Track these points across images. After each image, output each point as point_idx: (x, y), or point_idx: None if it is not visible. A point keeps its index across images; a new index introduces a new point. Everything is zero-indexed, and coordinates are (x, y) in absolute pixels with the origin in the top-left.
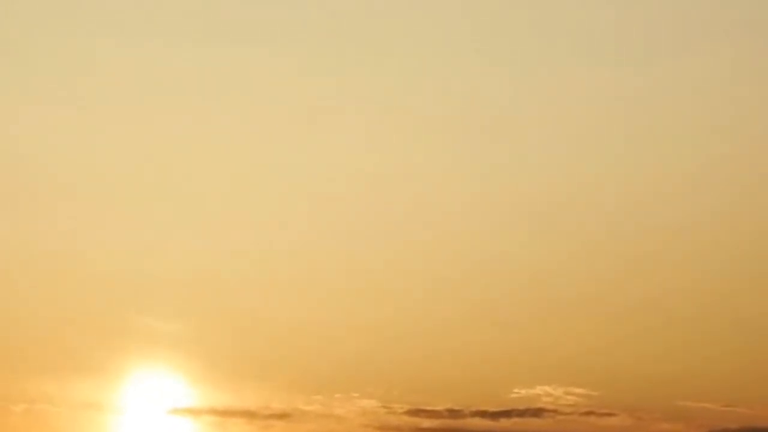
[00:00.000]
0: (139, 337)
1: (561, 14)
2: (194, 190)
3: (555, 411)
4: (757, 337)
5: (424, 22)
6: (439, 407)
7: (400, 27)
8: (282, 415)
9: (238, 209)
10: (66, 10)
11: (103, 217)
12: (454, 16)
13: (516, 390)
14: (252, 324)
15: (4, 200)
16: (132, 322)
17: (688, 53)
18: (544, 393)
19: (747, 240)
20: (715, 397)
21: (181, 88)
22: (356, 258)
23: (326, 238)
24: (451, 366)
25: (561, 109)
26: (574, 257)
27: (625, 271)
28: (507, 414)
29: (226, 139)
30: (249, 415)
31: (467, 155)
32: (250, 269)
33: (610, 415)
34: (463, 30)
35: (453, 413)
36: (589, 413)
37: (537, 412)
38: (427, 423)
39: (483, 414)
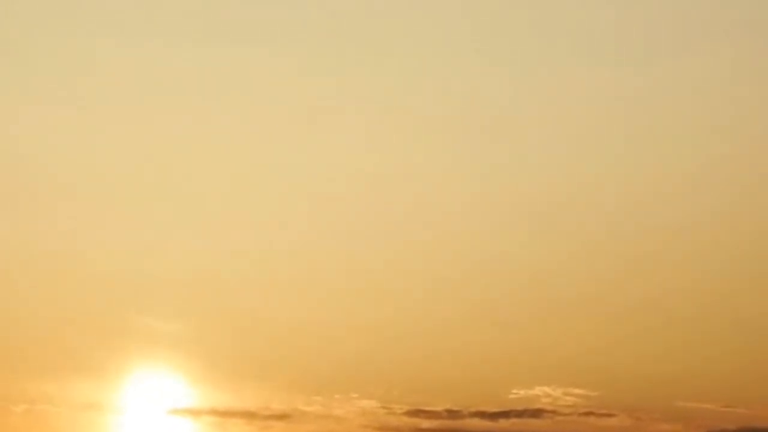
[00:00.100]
0: (139, 338)
1: (561, 14)
2: (194, 190)
3: (554, 411)
4: (756, 338)
5: (424, 22)
6: (439, 408)
7: (400, 27)
8: (282, 416)
9: (238, 209)
10: (66, 10)
11: (104, 217)
12: (454, 16)
13: (515, 390)
14: (252, 324)
15: (4, 200)
16: (132, 323)
17: (688, 53)
18: (543, 393)
19: (747, 240)
20: (714, 398)
21: (181, 88)
22: (356, 258)
23: (326, 238)
24: (450, 366)
25: (561, 109)
26: (574, 257)
27: (625, 271)
28: (506, 414)
29: (226, 139)
30: (249, 415)
31: (467, 155)
32: (249, 269)
33: (609, 415)
34: (463, 30)
35: (452, 414)
36: (588, 414)
37: (536, 413)
38: (426, 423)
39: (482, 414)
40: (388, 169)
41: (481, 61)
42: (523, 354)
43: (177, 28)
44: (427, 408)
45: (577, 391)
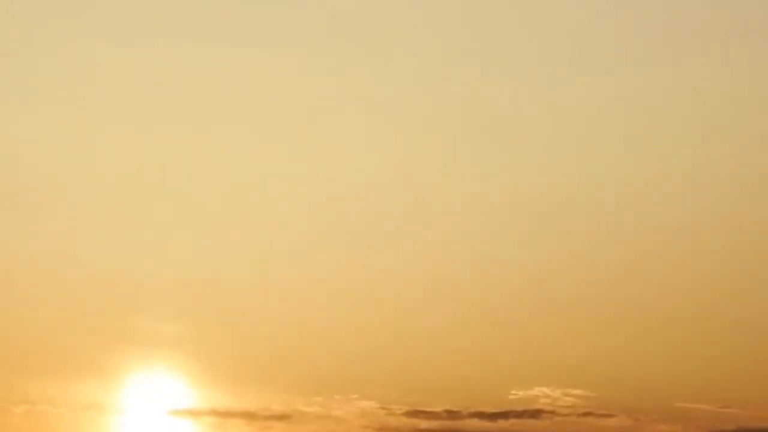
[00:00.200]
0: (140, 339)
1: (560, 16)
2: (194, 191)
3: (553, 412)
4: (754, 339)
5: (425, 23)
6: (438, 408)
7: (400, 28)
8: (282, 417)
9: (237, 210)
10: (66, 11)
11: (104, 218)
12: (454, 18)
13: (514, 391)
14: (252, 325)
15: (4, 201)
16: (132, 324)
17: (687, 55)
18: (542, 394)
19: (747, 240)
20: (712, 399)
21: (181, 89)
22: (356, 259)
23: (326, 239)
24: (449, 367)
25: (561, 110)
26: (573, 258)
27: (624, 272)
28: (505, 415)
29: (225, 140)
30: (249, 416)
31: (467, 156)
32: (249, 270)
33: (608, 416)
34: (463, 31)
35: (451, 414)
36: (587, 414)
37: (535, 413)
38: (425, 424)
39: (481, 415)
40: (387, 170)
41: (482, 63)
42: (522, 355)
43: (177, 29)
44: (426, 409)
45: (576, 391)
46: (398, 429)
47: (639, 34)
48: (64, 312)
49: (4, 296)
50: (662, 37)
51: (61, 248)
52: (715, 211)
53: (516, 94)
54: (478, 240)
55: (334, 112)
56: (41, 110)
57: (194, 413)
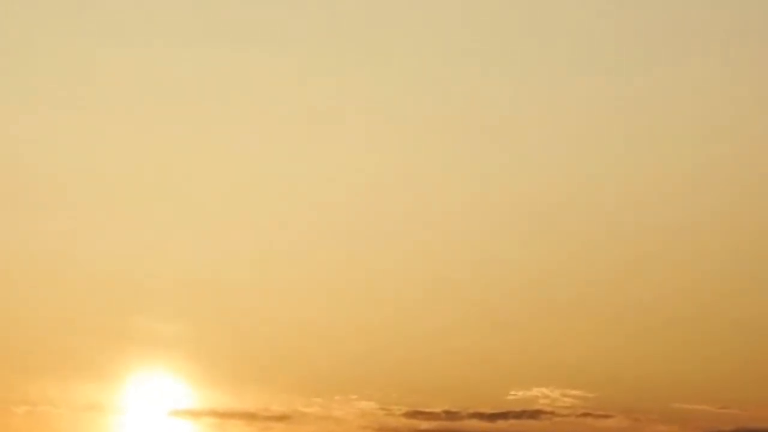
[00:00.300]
0: (140, 339)
1: (560, 17)
2: (194, 191)
3: (552, 413)
4: (753, 339)
5: (425, 24)
6: (437, 409)
7: (400, 29)
8: (282, 417)
9: (238, 211)
10: (66, 12)
11: (104, 219)
12: (454, 18)
13: (513, 392)
14: (252, 326)
15: (4, 202)
16: (133, 324)
17: (687, 55)
18: (541, 395)
19: (747, 240)
20: (711, 399)
21: (181, 90)
22: (355, 260)
23: (326, 240)
24: (448, 368)
25: (561, 111)
26: (573, 259)
27: (623, 272)
28: (504, 416)
29: (226, 141)
30: (249, 416)
31: (468, 157)
32: (249, 271)
33: (606, 416)
34: (464, 32)
35: (450, 415)
36: (585, 415)
37: (534, 414)
38: (424, 425)
39: (480, 416)
40: (387, 170)
41: (482, 63)
42: (521, 355)
43: (177, 29)
44: (425, 409)
45: (574, 392)
46: (398, 429)
47: (639, 35)
48: (64, 312)
49: (4, 296)
50: (662, 37)
51: (61, 248)
52: (715, 211)
53: (516, 94)
54: (478, 240)
55: (335, 113)
56: (41, 110)
57: (194, 414)
